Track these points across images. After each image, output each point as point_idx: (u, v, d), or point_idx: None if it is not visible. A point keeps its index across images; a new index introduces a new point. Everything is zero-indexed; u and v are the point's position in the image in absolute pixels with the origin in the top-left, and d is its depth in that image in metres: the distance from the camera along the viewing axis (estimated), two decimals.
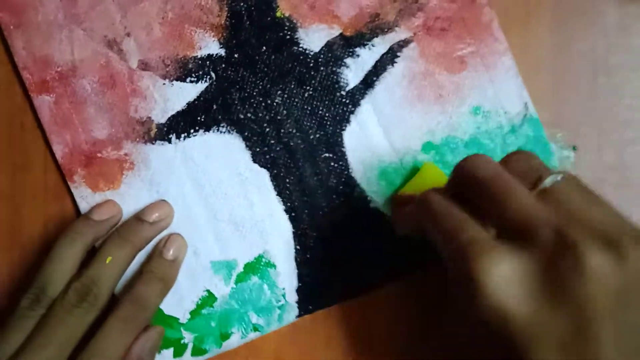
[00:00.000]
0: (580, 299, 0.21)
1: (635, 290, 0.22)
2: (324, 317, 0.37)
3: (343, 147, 0.37)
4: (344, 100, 0.37)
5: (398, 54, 0.37)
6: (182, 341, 0.36)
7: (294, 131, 0.37)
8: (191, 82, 0.37)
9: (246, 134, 0.37)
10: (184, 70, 0.37)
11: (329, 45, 0.37)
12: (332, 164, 0.37)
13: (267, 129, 0.37)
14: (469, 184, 0.27)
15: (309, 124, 0.37)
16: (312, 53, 0.37)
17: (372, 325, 0.37)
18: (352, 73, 0.37)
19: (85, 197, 0.36)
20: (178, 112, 0.37)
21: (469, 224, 0.25)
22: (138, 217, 0.35)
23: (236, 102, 0.37)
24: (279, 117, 0.37)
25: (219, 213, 0.37)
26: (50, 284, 0.32)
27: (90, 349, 0.31)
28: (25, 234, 0.37)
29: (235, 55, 0.37)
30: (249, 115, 0.37)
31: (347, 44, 0.37)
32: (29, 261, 0.37)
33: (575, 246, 0.22)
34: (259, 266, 0.37)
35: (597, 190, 0.33)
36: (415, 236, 0.32)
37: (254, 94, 0.37)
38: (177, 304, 0.36)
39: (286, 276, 0.37)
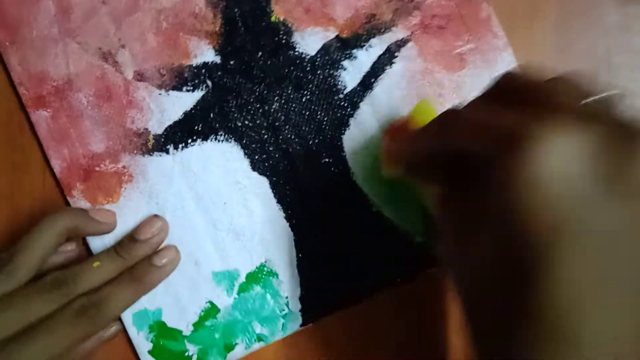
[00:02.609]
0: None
1: None
2: (324, 322, 0.36)
3: (343, 151, 0.36)
4: (342, 103, 0.36)
5: (396, 54, 0.36)
6: (186, 354, 0.36)
7: (293, 137, 0.36)
8: (187, 91, 0.37)
9: (244, 141, 0.36)
10: (180, 80, 0.37)
11: (325, 48, 0.36)
12: (333, 169, 0.36)
13: (265, 136, 0.36)
14: (519, 89, 0.24)
15: (307, 129, 0.36)
16: (308, 56, 0.36)
17: (371, 331, 0.36)
18: (350, 75, 0.36)
19: None
20: (175, 122, 0.37)
21: (522, 112, 0.22)
22: (132, 237, 0.35)
23: (233, 109, 0.36)
24: (277, 123, 0.36)
25: (218, 223, 0.36)
26: (20, 254, 0.31)
27: (35, 331, 0.30)
28: (25, 234, 0.37)
29: (231, 62, 0.36)
30: (246, 122, 0.36)
31: (343, 46, 0.36)
32: None
33: (634, 134, 0.20)
34: (261, 275, 0.36)
35: None
36: (404, 176, 0.29)
37: (251, 100, 0.36)
38: (180, 316, 0.36)
39: (289, 285, 0.36)
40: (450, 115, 0.25)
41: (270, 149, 0.36)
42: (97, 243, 0.36)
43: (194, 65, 0.37)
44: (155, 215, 0.36)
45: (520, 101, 0.23)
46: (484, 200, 0.22)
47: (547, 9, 0.36)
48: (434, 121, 0.26)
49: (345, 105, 0.36)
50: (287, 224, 0.36)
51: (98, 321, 0.32)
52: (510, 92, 0.24)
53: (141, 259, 0.35)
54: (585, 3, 0.36)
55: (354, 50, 0.36)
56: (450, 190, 0.26)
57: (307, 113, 0.36)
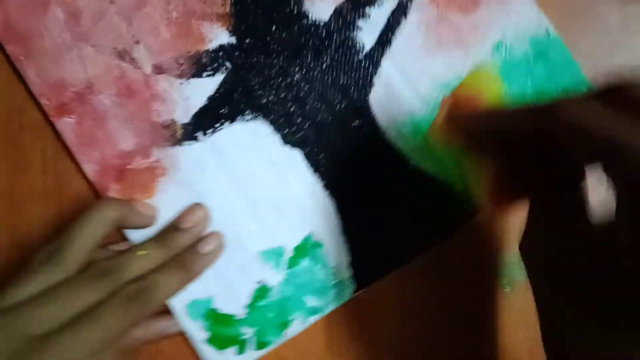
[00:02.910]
0: None
1: None
2: (323, 319, 0.36)
3: (371, 111, 0.36)
4: (363, 64, 0.36)
5: (408, 5, 0.36)
6: (243, 337, 0.35)
7: (319, 105, 0.36)
8: (208, 76, 0.36)
9: (272, 117, 0.36)
10: (199, 66, 0.37)
11: (337, 12, 0.36)
12: (364, 130, 0.36)
13: (292, 108, 0.36)
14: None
15: (332, 95, 0.36)
16: (322, 23, 0.36)
17: (372, 326, 0.36)
18: (366, 34, 0.36)
19: None
20: (200, 109, 0.36)
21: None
22: (175, 226, 0.35)
23: (256, 87, 0.36)
24: (301, 94, 0.36)
25: (258, 201, 0.36)
26: (68, 245, 0.31)
27: (86, 318, 0.30)
28: (25, 234, 0.37)
29: (247, 41, 0.36)
30: (271, 97, 0.36)
31: (355, 6, 0.36)
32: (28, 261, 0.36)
33: None
34: (307, 248, 0.36)
35: None
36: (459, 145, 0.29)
37: (272, 75, 0.36)
38: (232, 301, 0.36)
39: (336, 253, 0.36)
40: (552, 109, 0.24)
41: (299, 120, 0.36)
42: (137, 237, 0.35)
43: (211, 49, 0.37)
44: (197, 204, 0.35)
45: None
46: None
47: (548, 10, 0.36)
48: (530, 108, 0.26)
49: (367, 65, 0.36)
50: (326, 192, 0.36)
51: (147, 307, 0.31)
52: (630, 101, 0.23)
53: (186, 247, 0.34)
54: (585, 3, 0.36)
55: (367, 9, 0.36)
56: (541, 189, 0.26)
57: (330, 79, 0.36)
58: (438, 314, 0.36)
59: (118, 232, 0.36)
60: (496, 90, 0.30)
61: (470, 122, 0.30)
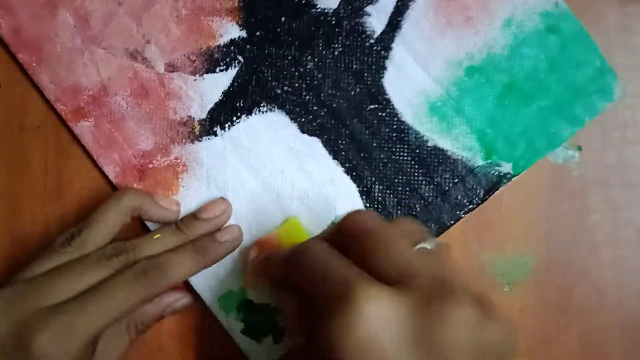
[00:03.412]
0: (444, 347, 0.22)
1: (491, 347, 0.22)
2: None
3: (386, 94, 0.36)
4: (374, 48, 0.36)
5: None
6: (279, 325, 0.36)
7: (334, 92, 0.36)
8: (221, 70, 0.37)
9: (288, 107, 0.37)
10: (211, 61, 0.37)
11: None
12: (380, 113, 0.36)
13: (307, 97, 0.37)
14: (356, 234, 0.27)
15: (346, 81, 0.36)
16: (331, 10, 0.36)
17: None
18: (376, 19, 0.36)
19: None
20: (216, 104, 0.37)
21: (352, 265, 0.25)
22: (194, 215, 0.35)
23: (270, 78, 0.37)
24: (315, 82, 0.37)
25: (281, 191, 0.36)
26: (87, 228, 0.32)
27: (96, 290, 0.30)
28: (25, 234, 0.37)
29: (257, 33, 0.37)
30: (285, 88, 0.37)
31: None
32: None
33: (449, 295, 0.23)
34: None
35: (600, 191, 0.36)
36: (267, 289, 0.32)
37: (285, 65, 0.37)
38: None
39: None
40: (305, 252, 0.27)
41: (314, 108, 0.37)
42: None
43: (222, 44, 0.37)
44: (220, 198, 0.36)
45: (357, 248, 0.26)
46: (317, 347, 0.24)
47: None
48: (289, 251, 0.28)
49: (378, 49, 0.36)
50: (348, 177, 0.36)
51: (158, 283, 0.31)
52: (350, 237, 0.27)
53: (207, 237, 0.35)
54: (585, 3, 0.36)
55: None
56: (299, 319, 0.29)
57: (342, 65, 0.36)
58: None
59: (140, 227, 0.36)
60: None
61: (265, 269, 0.33)
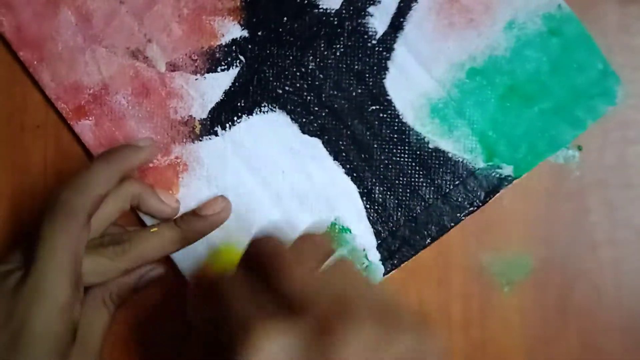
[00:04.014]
0: None
1: None
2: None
3: (388, 95, 0.36)
4: (376, 49, 0.36)
5: None
6: None
7: (335, 92, 0.36)
8: (222, 70, 0.37)
9: (289, 107, 0.37)
10: (213, 61, 0.37)
11: None
12: (381, 115, 0.36)
13: (308, 97, 0.37)
14: (259, 260, 0.27)
15: (348, 81, 0.36)
16: (333, 11, 0.36)
17: None
18: (378, 20, 0.36)
19: None
20: (217, 103, 0.37)
21: (245, 301, 0.25)
22: (192, 211, 0.35)
23: (271, 78, 0.37)
24: (316, 83, 0.37)
25: (281, 192, 0.36)
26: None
27: None
28: (25, 235, 0.37)
29: (259, 33, 0.37)
30: (286, 88, 0.37)
31: None
32: None
33: (332, 323, 0.22)
34: (334, 234, 0.36)
35: (599, 191, 0.36)
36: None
37: (287, 66, 0.37)
38: None
39: (363, 237, 0.36)
40: (216, 288, 0.27)
41: (316, 109, 0.37)
42: (148, 219, 0.36)
43: (223, 44, 0.37)
44: (220, 196, 0.36)
45: (263, 274, 0.26)
46: None
47: None
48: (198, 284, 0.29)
49: (380, 50, 0.36)
50: (348, 178, 0.36)
51: (131, 255, 0.32)
52: (256, 263, 0.27)
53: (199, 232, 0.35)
54: (585, 3, 0.36)
55: None
56: None
57: (344, 66, 0.36)
58: (437, 313, 0.37)
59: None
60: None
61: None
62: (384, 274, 0.36)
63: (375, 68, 0.36)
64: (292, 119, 0.37)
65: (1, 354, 0.28)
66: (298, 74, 0.37)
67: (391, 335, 0.23)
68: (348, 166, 0.36)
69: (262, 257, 0.27)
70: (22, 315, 0.28)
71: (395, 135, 0.36)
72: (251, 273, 0.27)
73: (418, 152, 0.36)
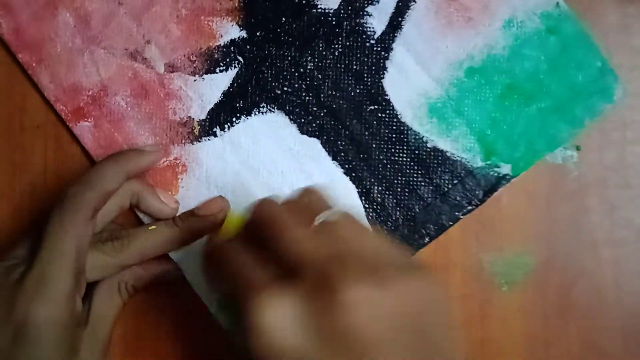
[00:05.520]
0: (347, 331, 0.22)
1: (403, 314, 0.22)
2: None
3: (386, 94, 0.36)
4: (375, 48, 0.36)
5: None
6: None
7: (334, 92, 0.36)
8: (221, 71, 0.37)
9: (287, 107, 0.37)
10: (211, 62, 0.37)
11: None
12: (380, 114, 0.36)
13: (307, 98, 0.37)
14: (258, 224, 0.27)
15: (346, 81, 0.36)
16: (331, 11, 0.36)
17: None
18: (376, 20, 0.36)
19: None
20: (216, 104, 0.37)
21: (248, 267, 0.25)
22: (192, 211, 0.35)
23: (270, 79, 0.37)
24: (315, 83, 0.37)
25: (280, 192, 0.36)
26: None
27: None
28: (26, 233, 0.37)
29: (257, 34, 0.37)
30: (285, 88, 0.37)
31: None
32: None
33: (330, 281, 0.23)
34: None
35: (599, 191, 0.35)
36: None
37: (285, 66, 0.37)
38: None
39: None
40: (217, 256, 0.28)
41: (314, 109, 0.37)
42: (147, 219, 0.36)
43: (222, 44, 0.37)
44: (219, 196, 0.36)
45: (263, 238, 0.26)
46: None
47: None
48: (206, 251, 0.29)
49: (379, 49, 0.36)
50: (347, 178, 0.36)
51: (126, 250, 0.33)
52: (256, 228, 0.27)
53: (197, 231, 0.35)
54: (585, 3, 0.36)
55: None
56: None
57: (343, 66, 0.36)
58: None
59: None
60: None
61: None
62: None
63: (373, 68, 0.36)
64: (290, 119, 0.37)
65: (6, 350, 0.29)
66: (296, 74, 0.37)
67: (389, 289, 0.23)
68: (347, 166, 0.36)
69: (260, 222, 0.27)
70: (25, 307, 0.29)
71: (394, 135, 0.36)
72: (253, 238, 0.27)
73: (416, 152, 0.36)
